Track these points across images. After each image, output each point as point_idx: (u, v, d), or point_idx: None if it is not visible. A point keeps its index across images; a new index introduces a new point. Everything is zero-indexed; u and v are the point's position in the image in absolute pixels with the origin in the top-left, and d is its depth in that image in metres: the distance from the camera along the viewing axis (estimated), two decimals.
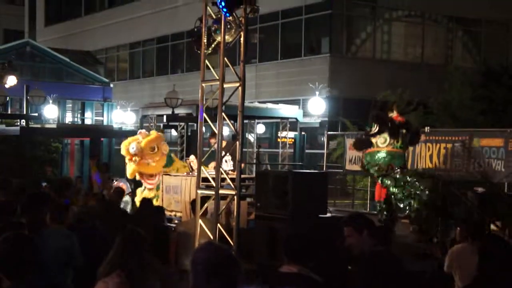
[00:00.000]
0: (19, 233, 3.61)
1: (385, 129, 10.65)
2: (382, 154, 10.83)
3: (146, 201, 8.01)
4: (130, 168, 11.98)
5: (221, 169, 6.91)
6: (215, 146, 11.42)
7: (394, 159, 10.87)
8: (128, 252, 3.56)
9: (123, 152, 12.06)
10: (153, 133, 12.25)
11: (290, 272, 4.24)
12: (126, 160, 12.01)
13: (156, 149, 11.87)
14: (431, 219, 10.43)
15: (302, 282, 4.17)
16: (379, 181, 10.88)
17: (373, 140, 10.93)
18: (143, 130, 12.68)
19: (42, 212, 6.05)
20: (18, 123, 22.58)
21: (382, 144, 10.72)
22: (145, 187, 12.03)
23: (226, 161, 11.16)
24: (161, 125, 20.66)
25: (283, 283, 4.16)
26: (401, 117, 11.27)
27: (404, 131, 10.96)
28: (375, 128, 10.79)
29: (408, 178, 10.51)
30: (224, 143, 10.79)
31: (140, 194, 11.86)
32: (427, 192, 10.18)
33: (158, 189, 11.72)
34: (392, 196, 10.57)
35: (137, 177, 12.12)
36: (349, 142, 15.12)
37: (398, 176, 10.54)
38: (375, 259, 4.06)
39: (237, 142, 6.92)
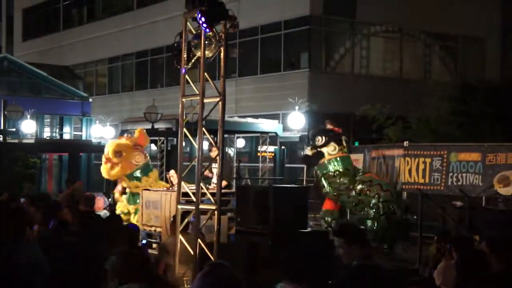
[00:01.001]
0: None
1: (332, 139, 11.65)
2: (335, 161, 11.93)
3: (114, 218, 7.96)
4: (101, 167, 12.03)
5: (201, 184, 6.90)
6: (215, 155, 11.58)
7: (345, 162, 12.09)
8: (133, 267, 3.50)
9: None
10: (136, 133, 12.23)
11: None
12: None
13: (122, 155, 11.77)
14: (388, 228, 10.97)
15: None
16: (328, 196, 11.88)
17: (323, 150, 11.99)
18: (128, 135, 12.62)
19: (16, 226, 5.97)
20: None
21: (332, 152, 11.62)
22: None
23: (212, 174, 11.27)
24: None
25: None
26: (337, 128, 12.37)
27: (344, 137, 12.28)
28: (321, 140, 11.61)
29: (359, 186, 11.62)
30: (214, 153, 11.03)
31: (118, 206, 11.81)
32: (380, 200, 10.95)
33: (134, 203, 11.61)
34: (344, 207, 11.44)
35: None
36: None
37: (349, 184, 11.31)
38: (361, 273, 4.07)
39: (217, 157, 6.93)
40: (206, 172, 10.84)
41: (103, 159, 11.79)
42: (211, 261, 3.05)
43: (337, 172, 11.88)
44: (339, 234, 4.30)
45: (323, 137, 11.98)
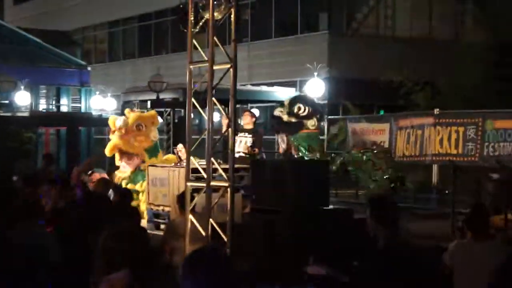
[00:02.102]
0: None
1: (316, 113, 11.79)
2: (313, 135, 12.14)
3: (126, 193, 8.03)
4: (111, 143, 11.96)
5: (212, 159, 6.91)
6: (247, 122, 11.73)
7: (318, 139, 12.46)
8: (135, 250, 3.37)
9: (110, 124, 12.10)
10: (151, 113, 12.29)
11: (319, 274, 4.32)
12: (110, 136, 12.07)
13: (143, 128, 11.87)
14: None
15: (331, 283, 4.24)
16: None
17: (305, 121, 12.07)
18: (134, 108, 12.70)
19: (10, 209, 6.04)
20: None
21: (312, 127, 11.72)
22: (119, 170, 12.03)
23: (241, 142, 11.39)
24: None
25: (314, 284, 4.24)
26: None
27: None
28: (304, 111, 11.66)
29: (364, 157, 11.60)
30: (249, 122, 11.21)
31: (119, 178, 11.86)
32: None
33: (142, 179, 11.66)
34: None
35: (117, 158, 12.05)
36: (352, 126, 15.16)
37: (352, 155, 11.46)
38: (387, 256, 4.09)
39: (230, 130, 6.92)
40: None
41: (120, 131, 11.79)
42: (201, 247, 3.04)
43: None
44: (368, 203, 4.39)
45: (307, 108, 12.01)
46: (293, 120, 12.04)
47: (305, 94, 12.62)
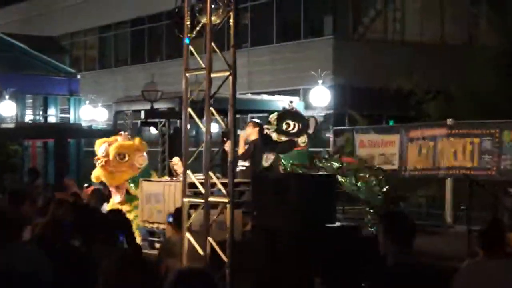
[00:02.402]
0: None
1: (305, 129, 11.80)
2: (304, 152, 12.03)
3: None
4: (94, 172, 12.05)
5: (210, 173, 6.89)
6: (249, 132, 11.67)
7: (308, 155, 12.19)
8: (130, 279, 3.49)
9: (96, 149, 12.13)
10: (137, 141, 12.26)
11: None
12: (95, 161, 12.08)
13: (125, 158, 11.83)
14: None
15: None
16: None
17: (296, 139, 11.98)
18: (125, 133, 12.65)
19: None
20: None
21: (302, 144, 11.74)
22: (113, 200, 12.05)
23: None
24: (138, 122, 20.66)
25: None
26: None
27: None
28: (294, 128, 11.64)
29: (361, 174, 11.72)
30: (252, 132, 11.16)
31: (111, 204, 11.87)
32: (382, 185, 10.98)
33: (131, 201, 11.69)
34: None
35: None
36: (359, 138, 15.15)
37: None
38: (396, 276, 4.06)
39: (229, 141, 6.91)
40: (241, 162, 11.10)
41: (99, 162, 11.79)
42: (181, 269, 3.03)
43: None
44: (381, 219, 4.38)
45: (296, 124, 11.93)
46: (283, 138, 11.90)
47: (292, 108, 12.50)
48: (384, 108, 22.24)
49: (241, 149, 11.33)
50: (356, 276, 6.65)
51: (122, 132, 12.46)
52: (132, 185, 11.78)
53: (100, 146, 11.93)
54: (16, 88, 25.14)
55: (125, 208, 11.68)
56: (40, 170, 24.74)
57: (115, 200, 11.90)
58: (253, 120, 12.14)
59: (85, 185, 12.09)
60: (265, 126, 12.10)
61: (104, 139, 12.15)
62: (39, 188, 11.98)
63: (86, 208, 7.82)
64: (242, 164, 11.35)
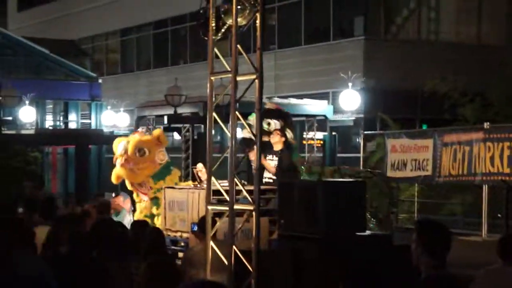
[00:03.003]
0: None
1: (289, 124, 11.68)
2: (294, 148, 11.90)
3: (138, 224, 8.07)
4: (114, 171, 12.11)
5: (236, 179, 6.94)
6: (275, 142, 11.67)
7: (296, 153, 12.40)
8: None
9: (113, 149, 12.24)
10: (155, 133, 12.34)
11: None
12: (114, 161, 12.18)
13: (145, 153, 11.89)
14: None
15: None
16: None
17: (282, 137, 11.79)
18: (142, 129, 12.76)
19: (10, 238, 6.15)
20: None
21: (291, 139, 11.61)
22: (141, 199, 12.14)
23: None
24: (161, 127, 20.79)
25: None
26: (276, 107, 12.45)
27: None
28: (274, 125, 11.56)
29: None
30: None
31: (139, 209, 11.97)
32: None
33: (157, 205, 11.78)
34: None
35: (128, 186, 12.22)
36: (391, 143, 15.12)
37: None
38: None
39: (255, 147, 6.95)
40: (267, 165, 11.07)
41: (120, 160, 11.89)
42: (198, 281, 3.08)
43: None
44: (415, 227, 4.37)
45: (277, 122, 11.87)
46: (265, 138, 11.84)
47: (269, 107, 12.43)
48: (417, 112, 22.14)
49: (266, 164, 11.26)
50: (388, 283, 6.66)
51: (139, 129, 12.57)
52: (155, 182, 11.83)
53: (119, 145, 12.05)
54: (36, 93, 25.46)
55: (153, 211, 11.80)
56: (60, 177, 25.00)
57: (143, 199, 11.98)
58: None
59: (113, 194, 12.24)
60: (244, 130, 12.02)
61: (121, 138, 12.27)
62: (41, 197, 12.06)
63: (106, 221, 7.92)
64: (269, 176, 11.37)
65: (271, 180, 11.31)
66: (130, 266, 6.11)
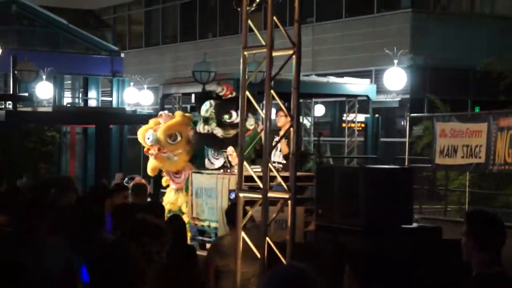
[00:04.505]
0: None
1: (250, 109, 11.52)
2: (255, 135, 11.50)
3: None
4: (149, 164, 12.15)
5: (270, 165, 6.91)
6: (282, 124, 11.49)
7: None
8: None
9: (140, 141, 12.25)
10: (177, 115, 12.34)
11: None
12: (145, 152, 12.23)
13: (178, 138, 11.91)
14: None
15: None
16: None
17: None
18: (165, 112, 12.75)
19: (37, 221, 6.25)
20: (3, 106, 23.06)
21: (251, 126, 11.46)
22: (171, 188, 12.18)
23: (278, 149, 11.18)
24: (188, 106, 20.84)
25: None
26: (229, 90, 11.90)
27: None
28: (237, 116, 11.36)
29: None
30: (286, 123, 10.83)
31: (167, 197, 12.01)
32: None
33: (186, 190, 11.83)
34: None
35: (164, 176, 12.26)
36: (440, 127, 14.99)
37: None
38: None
39: (291, 129, 6.91)
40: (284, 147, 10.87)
41: (152, 152, 11.91)
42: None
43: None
44: (466, 220, 4.30)
45: (237, 111, 11.56)
46: (232, 132, 11.62)
47: (225, 92, 12.08)
48: (470, 93, 21.94)
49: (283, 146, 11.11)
50: (434, 285, 6.61)
51: (162, 113, 12.54)
52: (194, 165, 11.87)
53: (145, 136, 12.04)
54: (54, 67, 25.67)
55: (180, 199, 11.82)
56: (78, 158, 25.19)
57: (172, 187, 12.03)
58: (282, 109, 11.49)
59: (129, 177, 12.33)
60: (200, 125, 11.65)
61: (145, 126, 12.28)
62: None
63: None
64: (278, 161, 11.25)
65: (281, 166, 11.19)
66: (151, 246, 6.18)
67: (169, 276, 3.81)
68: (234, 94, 11.75)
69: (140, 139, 12.23)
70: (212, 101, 11.62)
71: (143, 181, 12.34)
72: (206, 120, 11.57)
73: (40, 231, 6.27)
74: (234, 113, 11.49)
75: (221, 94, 11.82)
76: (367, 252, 4.60)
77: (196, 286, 6.85)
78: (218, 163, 11.63)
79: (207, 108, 11.54)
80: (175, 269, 4.16)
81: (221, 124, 11.49)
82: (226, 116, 11.51)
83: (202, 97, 12.17)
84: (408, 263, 7.39)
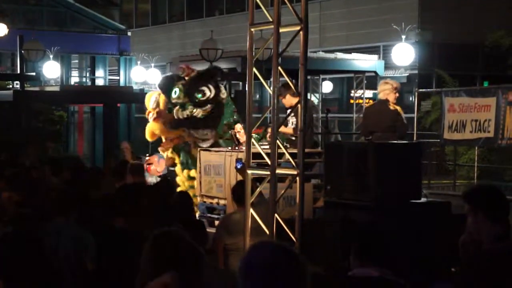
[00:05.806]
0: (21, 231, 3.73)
1: (215, 78, 11.51)
2: (229, 105, 11.85)
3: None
4: (147, 127, 12.24)
5: (278, 141, 6.91)
6: (288, 103, 11.44)
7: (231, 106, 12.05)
8: (181, 250, 3.65)
9: (146, 103, 12.35)
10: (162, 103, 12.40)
11: (369, 276, 4.26)
12: (147, 116, 12.31)
13: None
14: None
15: None
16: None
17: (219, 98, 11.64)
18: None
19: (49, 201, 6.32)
20: (11, 86, 23.10)
21: (223, 95, 11.68)
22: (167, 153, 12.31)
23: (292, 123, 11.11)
24: None
25: None
26: (190, 69, 11.93)
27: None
28: (210, 90, 11.32)
29: None
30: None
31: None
32: None
33: (182, 164, 11.94)
34: None
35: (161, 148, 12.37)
36: (449, 102, 14.95)
37: None
38: (492, 263, 3.99)
39: (299, 106, 6.90)
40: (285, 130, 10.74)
41: (151, 115, 11.98)
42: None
43: None
44: (465, 197, 4.28)
45: (210, 86, 11.47)
46: (209, 105, 11.55)
47: (174, 74, 12.02)
48: (478, 67, 21.85)
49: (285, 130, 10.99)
50: (445, 260, 6.61)
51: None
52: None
53: (151, 98, 12.15)
54: (61, 46, 25.64)
55: (185, 173, 11.88)
56: (86, 137, 25.25)
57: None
58: (286, 84, 11.20)
59: (147, 155, 12.44)
60: (178, 111, 11.62)
61: (154, 91, 12.36)
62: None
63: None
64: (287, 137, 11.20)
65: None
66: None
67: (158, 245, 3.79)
68: (195, 71, 11.82)
69: (146, 101, 12.31)
70: (178, 86, 11.61)
71: (128, 147, 12.61)
72: (183, 106, 11.58)
73: (52, 212, 6.35)
74: (205, 89, 11.50)
75: (183, 75, 11.83)
76: (374, 229, 4.61)
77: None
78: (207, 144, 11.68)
79: (177, 95, 11.54)
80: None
81: (197, 104, 11.52)
82: (200, 95, 11.51)
83: (166, 83, 12.06)
84: (419, 238, 7.41)
